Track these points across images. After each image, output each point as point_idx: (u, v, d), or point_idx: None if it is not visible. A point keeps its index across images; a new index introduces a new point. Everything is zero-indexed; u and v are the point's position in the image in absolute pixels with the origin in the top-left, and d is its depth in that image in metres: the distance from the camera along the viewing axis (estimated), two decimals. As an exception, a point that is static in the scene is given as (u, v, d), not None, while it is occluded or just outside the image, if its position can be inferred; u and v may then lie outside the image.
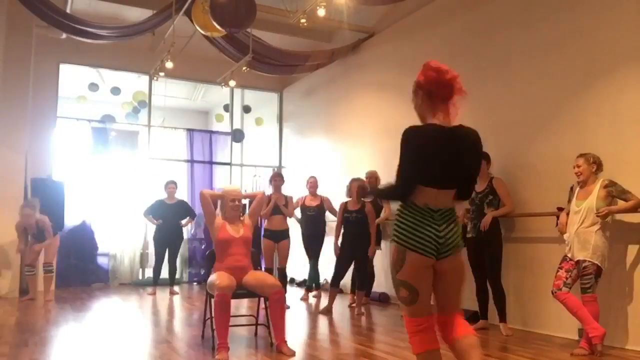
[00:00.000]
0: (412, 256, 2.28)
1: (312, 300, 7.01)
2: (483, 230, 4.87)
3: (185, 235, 8.97)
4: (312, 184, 7.09)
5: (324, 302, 6.28)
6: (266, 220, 6.40)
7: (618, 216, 4.15)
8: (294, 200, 6.97)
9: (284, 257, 6.41)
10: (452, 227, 2.34)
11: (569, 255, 4.08)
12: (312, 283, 7.29)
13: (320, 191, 7.26)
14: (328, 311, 5.85)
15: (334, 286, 6.01)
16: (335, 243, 6.07)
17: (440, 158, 2.29)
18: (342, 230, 6.01)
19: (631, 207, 3.93)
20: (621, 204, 3.97)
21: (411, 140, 2.33)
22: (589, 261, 3.92)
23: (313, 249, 7.14)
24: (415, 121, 2.51)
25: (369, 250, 5.91)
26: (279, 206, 6.30)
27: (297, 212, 7.16)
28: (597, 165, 4.07)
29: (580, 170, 4.09)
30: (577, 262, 4.00)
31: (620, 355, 3.92)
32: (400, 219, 2.34)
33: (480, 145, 2.44)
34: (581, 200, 4.07)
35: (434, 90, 2.35)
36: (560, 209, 4.37)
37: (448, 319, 2.39)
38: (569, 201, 4.25)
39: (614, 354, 3.92)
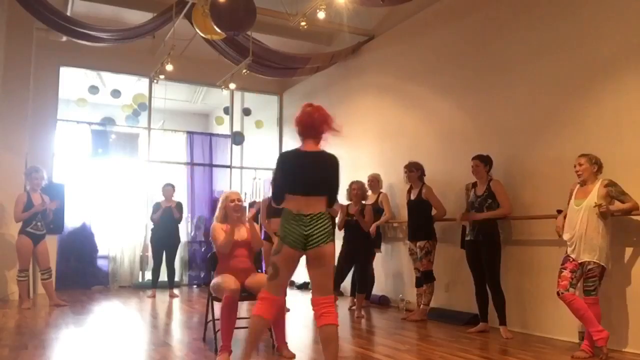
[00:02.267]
0: (285, 248, 3.04)
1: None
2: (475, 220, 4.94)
3: (185, 238, 8.99)
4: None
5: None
6: (267, 223, 6.38)
7: (617, 218, 4.14)
8: None
9: None
10: (319, 226, 3.04)
11: (573, 255, 4.04)
12: None
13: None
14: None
15: (334, 289, 6.00)
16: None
17: (302, 173, 3.11)
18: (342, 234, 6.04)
19: (627, 209, 3.96)
20: (618, 204, 3.98)
21: (279, 162, 3.19)
22: (596, 263, 3.90)
23: None
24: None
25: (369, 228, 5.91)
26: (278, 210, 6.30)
27: None
28: (598, 166, 4.08)
29: (582, 170, 4.09)
30: (581, 263, 3.98)
31: (620, 357, 3.92)
32: (283, 220, 3.10)
33: (336, 164, 3.25)
34: (580, 199, 4.07)
35: (301, 130, 3.23)
36: (560, 212, 4.37)
37: (316, 300, 3.04)
38: (569, 203, 4.26)
39: (614, 357, 3.92)
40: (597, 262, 3.90)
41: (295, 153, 3.21)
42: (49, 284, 6.48)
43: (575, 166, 4.14)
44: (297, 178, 3.10)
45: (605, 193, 3.98)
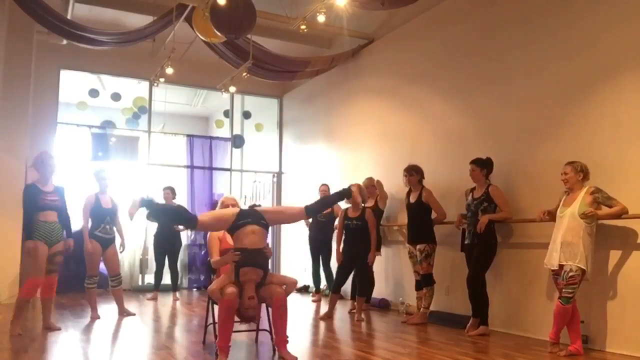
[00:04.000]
0: None
1: (313, 305, 7.01)
2: (479, 232, 4.90)
3: (185, 241, 8.98)
4: (324, 192, 7.19)
5: (325, 307, 6.27)
6: None
7: (602, 222, 4.19)
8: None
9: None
10: None
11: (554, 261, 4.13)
12: (322, 285, 7.34)
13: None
14: (329, 317, 5.84)
15: (335, 292, 6.01)
16: (338, 250, 6.07)
17: None
18: (342, 237, 6.03)
19: (616, 213, 4.00)
20: (606, 209, 4.04)
21: None
22: (577, 267, 3.95)
23: (324, 255, 7.18)
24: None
25: (368, 256, 5.90)
26: None
27: None
28: (583, 173, 4.17)
29: (567, 178, 4.18)
30: (561, 267, 4.06)
31: (601, 357, 3.98)
32: None
33: None
34: (566, 206, 4.15)
35: None
36: (550, 213, 4.42)
37: None
38: (556, 208, 4.31)
39: (594, 356, 3.99)
40: (578, 265, 3.94)
41: None
42: (119, 292, 6.05)
43: (561, 175, 4.22)
44: None
45: (591, 200, 4.05)
